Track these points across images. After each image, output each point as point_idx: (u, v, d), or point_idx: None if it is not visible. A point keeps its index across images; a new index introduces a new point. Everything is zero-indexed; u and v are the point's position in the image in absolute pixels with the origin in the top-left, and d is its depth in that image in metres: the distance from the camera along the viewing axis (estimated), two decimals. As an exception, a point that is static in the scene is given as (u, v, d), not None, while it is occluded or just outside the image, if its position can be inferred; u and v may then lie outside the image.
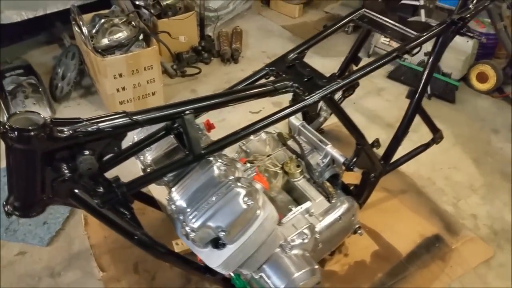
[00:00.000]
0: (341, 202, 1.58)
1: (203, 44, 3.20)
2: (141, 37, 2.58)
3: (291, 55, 1.51)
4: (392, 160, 1.79)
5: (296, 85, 1.39)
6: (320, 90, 1.35)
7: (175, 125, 1.34)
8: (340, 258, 1.82)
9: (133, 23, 2.59)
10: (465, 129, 2.63)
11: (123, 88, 2.51)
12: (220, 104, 1.31)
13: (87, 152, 1.09)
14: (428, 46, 2.68)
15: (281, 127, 1.79)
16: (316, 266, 1.41)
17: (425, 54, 2.75)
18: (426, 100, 2.78)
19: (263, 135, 1.78)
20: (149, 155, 1.45)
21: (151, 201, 1.62)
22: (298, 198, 1.63)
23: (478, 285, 1.76)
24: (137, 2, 2.97)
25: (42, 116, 1.01)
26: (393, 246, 1.89)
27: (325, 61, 3.01)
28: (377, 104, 2.82)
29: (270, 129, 1.67)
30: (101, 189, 1.17)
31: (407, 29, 1.50)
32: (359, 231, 1.68)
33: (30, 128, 0.96)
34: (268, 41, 3.60)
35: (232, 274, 1.44)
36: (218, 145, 1.27)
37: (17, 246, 1.85)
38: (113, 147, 1.16)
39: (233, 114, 2.58)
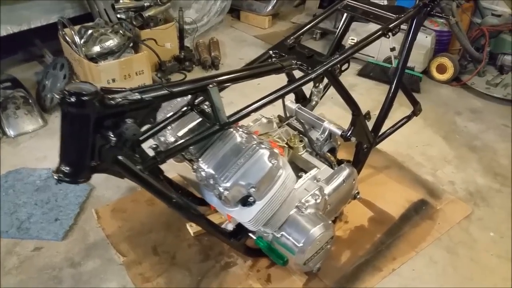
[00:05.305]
0: (343, 168, 1.76)
1: (183, 54, 3.35)
2: (130, 44, 2.70)
3: (289, 40, 1.71)
4: (380, 133, 2.00)
5: (300, 62, 1.58)
6: (322, 64, 1.55)
7: (197, 102, 1.50)
8: (341, 225, 1.99)
9: (120, 31, 2.71)
10: (432, 114, 2.92)
11: (116, 94, 2.60)
12: (237, 78, 1.47)
13: (129, 121, 1.21)
14: (393, 42, 3.04)
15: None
16: (330, 222, 1.58)
17: (391, 49, 3.07)
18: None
19: (263, 119, 1.95)
20: (170, 134, 1.57)
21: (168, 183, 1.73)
22: (304, 168, 1.80)
23: (463, 236, 1.99)
24: (119, 16, 3.10)
25: (93, 85, 1.13)
26: (386, 211, 2.09)
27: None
28: (352, 98, 3.08)
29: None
30: (138, 157, 1.29)
31: (386, 13, 1.74)
32: (358, 196, 1.87)
33: (85, 93, 1.08)
34: (243, 49, 3.81)
35: (254, 237, 1.57)
36: (240, 114, 1.42)
37: (32, 243, 1.87)
38: (150, 118, 1.28)
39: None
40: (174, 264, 1.78)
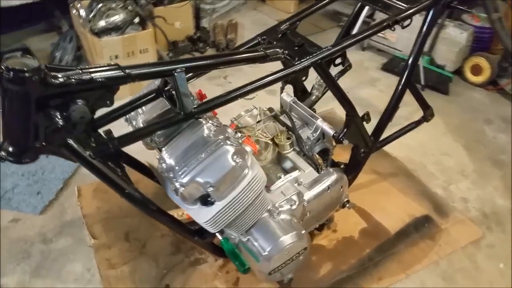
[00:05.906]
0: (330, 173, 1.59)
1: (198, 34, 3.23)
2: (137, 21, 2.62)
3: (283, 26, 1.54)
4: (383, 137, 1.81)
5: (287, 52, 1.41)
6: (310, 56, 1.38)
7: (167, 87, 1.39)
8: (329, 233, 1.83)
9: (129, 7, 2.64)
10: (457, 119, 2.65)
11: (120, 70, 2.55)
12: (211, 65, 1.34)
13: (80, 102, 1.11)
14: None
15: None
16: (303, 232, 1.43)
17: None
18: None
19: (254, 110, 1.80)
20: (141, 119, 1.47)
21: (146, 171, 1.63)
22: (288, 169, 1.65)
23: (467, 263, 1.77)
24: (133, -9, 3.02)
25: (36, 61, 1.04)
26: (382, 224, 1.90)
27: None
28: (370, 94, 2.85)
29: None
30: (93, 142, 1.20)
31: (398, 2, 1.53)
32: (347, 205, 1.70)
33: (25, 69, 0.99)
34: (264, 34, 3.62)
35: (220, 238, 1.46)
36: (209, 105, 1.29)
37: (11, 214, 1.88)
38: (105, 100, 1.17)
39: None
40: (143, 253, 1.72)
